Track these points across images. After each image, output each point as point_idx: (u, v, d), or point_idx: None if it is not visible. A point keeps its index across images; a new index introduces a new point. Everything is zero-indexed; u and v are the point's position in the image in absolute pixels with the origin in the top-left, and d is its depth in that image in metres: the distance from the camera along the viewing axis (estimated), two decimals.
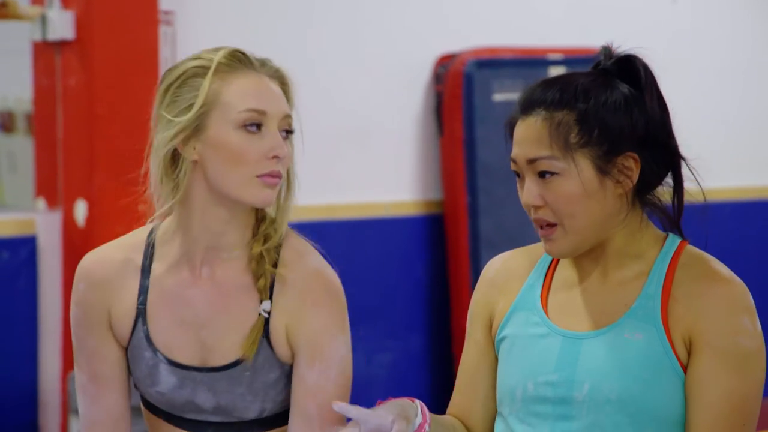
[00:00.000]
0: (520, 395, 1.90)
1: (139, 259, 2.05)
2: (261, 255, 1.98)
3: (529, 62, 5.65)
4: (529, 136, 1.88)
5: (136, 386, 2.09)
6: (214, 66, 1.97)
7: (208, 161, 1.98)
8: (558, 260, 1.97)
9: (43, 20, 4.57)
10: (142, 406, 2.11)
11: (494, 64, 5.56)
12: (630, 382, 1.84)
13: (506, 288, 1.99)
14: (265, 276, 1.98)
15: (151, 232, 2.07)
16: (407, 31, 5.57)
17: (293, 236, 2.04)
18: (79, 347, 2.06)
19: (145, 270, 2.04)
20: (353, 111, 5.29)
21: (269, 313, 1.97)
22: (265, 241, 2.00)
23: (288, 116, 1.98)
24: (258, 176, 1.96)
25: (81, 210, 4.62)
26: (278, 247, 2.01)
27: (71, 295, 2.07)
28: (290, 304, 1.98)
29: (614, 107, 1.87)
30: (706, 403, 1.83)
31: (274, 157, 1.95)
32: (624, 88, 1.90)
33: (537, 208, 1.89)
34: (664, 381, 1.84)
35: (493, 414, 2.00)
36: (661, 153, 1.90)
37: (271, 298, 1.98)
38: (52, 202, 4.70)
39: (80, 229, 4.62)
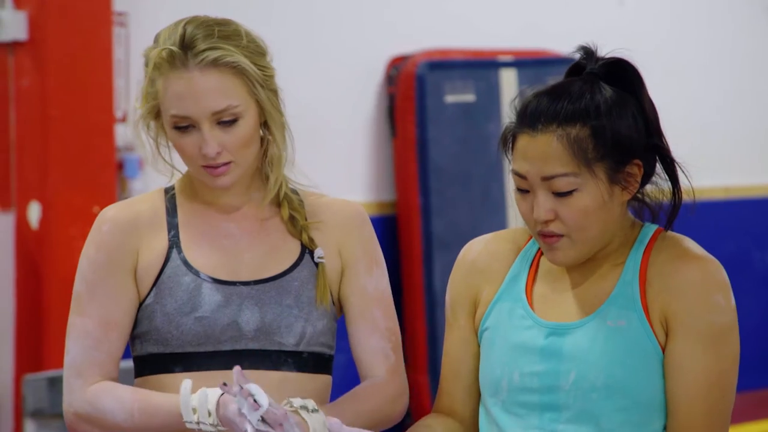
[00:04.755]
0: (506, 386, 1.92)
1: (162, 204, 2.10)
2: (291, 216, 2.09)
3: (480, 64, 5.69)
4: (545, 152, 1.86)
5: (139, 342, 2.06)
6: (151, 63, 2.03)
7: None
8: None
9: None
10: (134, 380, 2.09)
11: (446, 66, 5.60)
12: (616, 368, 1.87)
13: (489, 273, 2.00)
14: (305, 230, 2.08)
15: (167, 188, 2.14)
16: (360, 33, 5.60)
17: (309, 192, 2.15)
18: (90, 293, 2.04)
19: (170, 211, 2.09)
20: (306, 112, 5.28)
21: (323, 258, 2.08)
22: (281, 200, 2.09)
23: (219, 112, 2.01)
24: (202, 166, 2.03)
25: (34, 212, 4.60)
26: (300, 200, 2.11)
27: (87, 240, 2.07)
28: (336, 226, 2.10)
29: (620, 116, 1.88)
30: (683, 383, 1.86)
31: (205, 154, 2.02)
32: (615, 91, 1.90)
33: (547, 222, 1.89)
34: (648, 365, 1.87)
35: (478, 399, 2.01)
36: (654, 155, 1.93)
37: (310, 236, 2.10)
38: (5, 204, 4.68)
39: (34, 231, 4.61)
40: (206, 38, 2.02)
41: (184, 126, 2.01)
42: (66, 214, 4.51)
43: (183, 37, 2.02)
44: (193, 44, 2.01)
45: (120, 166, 4.81)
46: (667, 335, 1.88)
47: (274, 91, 2.08)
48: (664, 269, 1.90)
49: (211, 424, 1.89)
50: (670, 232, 1.95)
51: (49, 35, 4.52)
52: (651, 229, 1.95)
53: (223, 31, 2.05)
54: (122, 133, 4.81)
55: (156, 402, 1.97)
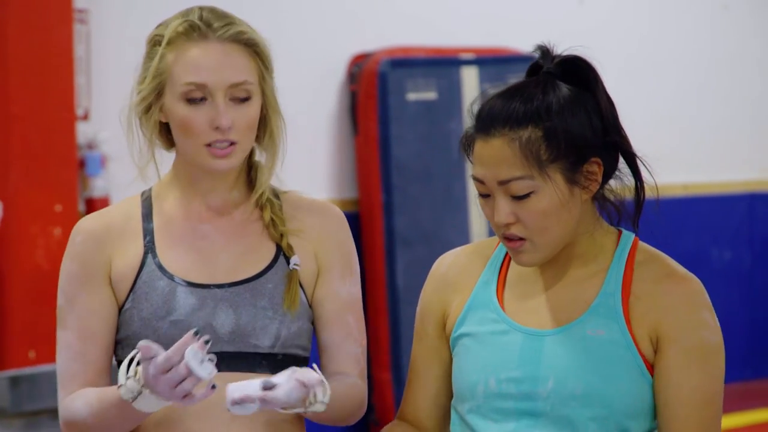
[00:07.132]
0: (482, 391, 1.92)
1: (137, 211, 2.10)
2: (272, 220, 2.08)
3: (441, 61, 5.71)
4: (498, 157, 1.86)
5: (120, 347, 2.07)
6: (166, 38, 2.02)
7: (170, 126, 2.06)
8: (511, 258, 1.97)
9: None
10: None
11: (408, 64, 5.62)
12: (595, 377, 1.88)
13: (459, 285, 2.00)
14: (285, 235, 2.08)
15: (143, 192, 2.13)
16: (321, 31, 5.61)
17: (289, 191, 2.14)
18: (69, 305, 2.07)
19: (146, 217, 2.09)
20: None
21: (299, 265, 2.07)
22: (263, 203, 2.09)
23: (236, 84, 2.02)
24: (206, 145, 2.02)
25: None
26: (280, 205, 2.11)
27: (64, 253, 2.08)
28: (313, 231, 2.09)
29: (574, 115, 1.88)
30: (677, 399, 1.87)
31: (217, 128, 2.01)
32: (570, 90, 1.90)
33: (508, 225, 1.89)
34: (628, 376, 1.88)
35: (444, 411, 2.02)
36: (615, 151, 1.92)
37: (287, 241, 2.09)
38: None
39: None
40: (224, 17, 2.05)
41: (196, 98, 2.01)
42: (27, 212, 4.48)
43: (201, 15, 2.03)
44: (212, 21, 2.03)
45: (81, 164, 4.79)
46: (656, 353, 1.89)
47: (274, 85, 2.10)
48: (653, 289, 1.91)
49: (136, 378, 1.90)
50: (646, 245, 1.96)
51: (10, 33, 4.50)
52: (629, 237, 1.96)
53: (235, 16, 2.07)
54: (83, 131, 4.79)
55: (109, 390, 1.99)
